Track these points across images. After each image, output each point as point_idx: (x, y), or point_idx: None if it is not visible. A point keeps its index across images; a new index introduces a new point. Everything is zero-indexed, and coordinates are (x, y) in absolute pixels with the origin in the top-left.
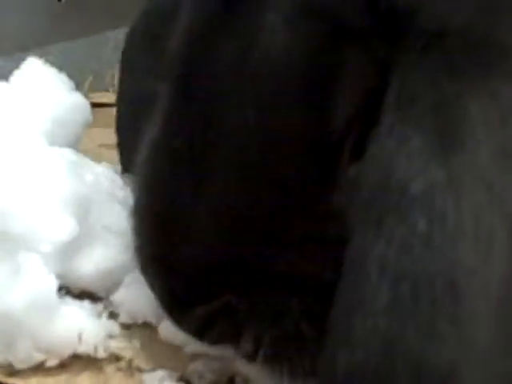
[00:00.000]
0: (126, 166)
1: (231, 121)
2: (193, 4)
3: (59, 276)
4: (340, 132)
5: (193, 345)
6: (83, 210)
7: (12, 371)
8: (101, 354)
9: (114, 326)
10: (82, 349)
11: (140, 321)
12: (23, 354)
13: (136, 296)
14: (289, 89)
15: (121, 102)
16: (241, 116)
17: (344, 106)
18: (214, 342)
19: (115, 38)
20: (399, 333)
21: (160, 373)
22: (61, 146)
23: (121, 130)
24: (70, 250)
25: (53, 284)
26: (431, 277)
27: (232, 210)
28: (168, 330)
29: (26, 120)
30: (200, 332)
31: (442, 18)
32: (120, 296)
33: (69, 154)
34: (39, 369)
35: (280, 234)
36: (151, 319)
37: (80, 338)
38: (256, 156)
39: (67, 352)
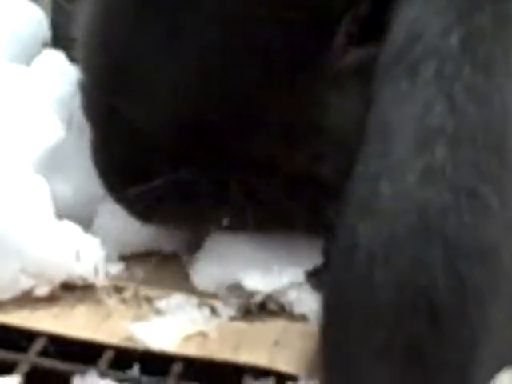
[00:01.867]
0: None
1: None
2: None
3: None
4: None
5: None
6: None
7: None
8: (101, 279)
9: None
10: (79, 271)
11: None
12: (8, 278)
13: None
14: None
15: None
16: None
17: None
18: (167, 221)
19: None
20: (434, 199)
21: (177, 297)
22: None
23: None
24: (48, 164)
25: (46, 192)
26: (475, 130)
27: (206, 72)
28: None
29: None
30: (149, 210)
31: None
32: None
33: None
34: (25, 301)
35: (253, 111)
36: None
37: (78, 256)
38: (241, 14)
39: (61, 275)
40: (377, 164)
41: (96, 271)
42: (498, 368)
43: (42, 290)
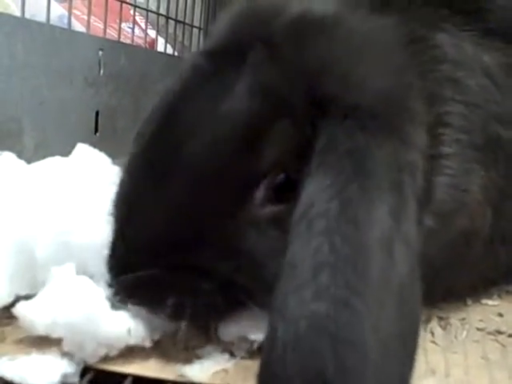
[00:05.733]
0: None
1: (193, 150)
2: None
3: None
4: (264, 170)
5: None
6: None
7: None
8: (148, 344)
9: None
10: (133, 341)
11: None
12: (91, 351)
13: None
14: (236, 138)
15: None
16: (201, 149)
17: (271, 154)
18: (140, 303)
19: None
20: (322, 308)
21: (209, 347)
22: None
23: None
24: None
25: (103, 298)
26: (347, 262)
27: (175, 213)
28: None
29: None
30: (129, 292)
31: (356, 99)
32: None
33: None
34: (105, 360)
35: (203, 237)
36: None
37: (129, 332)
38: (204, 177)
39: (122, 344)
40: (287, 285)
41: (143, 340)
42: None
43: (113, 353)
